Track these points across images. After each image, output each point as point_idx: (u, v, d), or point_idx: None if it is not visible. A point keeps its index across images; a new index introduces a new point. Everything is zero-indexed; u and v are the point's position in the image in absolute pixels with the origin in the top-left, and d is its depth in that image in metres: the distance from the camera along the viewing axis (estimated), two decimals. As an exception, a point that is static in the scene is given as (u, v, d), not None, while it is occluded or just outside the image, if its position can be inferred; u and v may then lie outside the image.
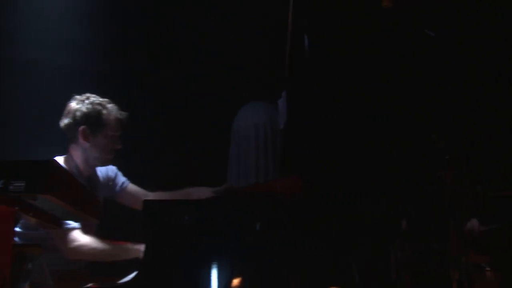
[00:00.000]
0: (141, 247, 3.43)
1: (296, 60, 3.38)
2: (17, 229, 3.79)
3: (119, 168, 4.40)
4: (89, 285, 3.29)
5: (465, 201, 3.01)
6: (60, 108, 4.13)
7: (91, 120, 4.05)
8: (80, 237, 3.83)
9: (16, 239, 3.69)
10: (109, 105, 4.15)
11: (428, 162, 3.12)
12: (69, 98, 4.16)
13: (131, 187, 4.40)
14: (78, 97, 4.15)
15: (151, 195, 4.28)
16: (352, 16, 3.34)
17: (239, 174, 3.91)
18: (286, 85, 3.51)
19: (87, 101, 4.10)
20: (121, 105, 4.20)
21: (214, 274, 3.07)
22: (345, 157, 3.29)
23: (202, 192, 3.93)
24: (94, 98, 4.14)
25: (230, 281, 3.11)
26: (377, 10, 3.29)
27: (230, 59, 5.60)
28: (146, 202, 3.32)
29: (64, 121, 4.09)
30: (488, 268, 3.23)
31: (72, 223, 3.81)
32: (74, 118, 4.06)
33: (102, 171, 4.30)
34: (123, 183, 4.38)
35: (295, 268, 3.21)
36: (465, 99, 3.40)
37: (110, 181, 4.34)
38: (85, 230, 3.92)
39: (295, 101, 3.39)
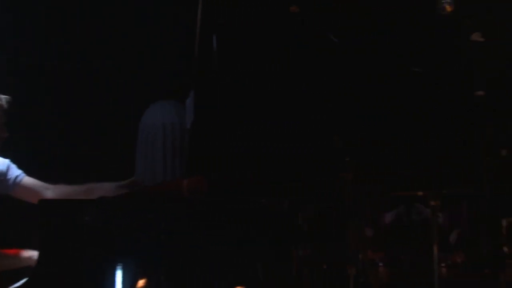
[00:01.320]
0: (34, 254, 3.25)
1: (204, 59, 3.39)
2: None
3: (13, 161, 4.14)
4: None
5: (363, 201, 3.16)
6: None
7: None
8: None
9: None
10: None
11: (328, 162, 3.24)
12: None
13: (27, 180, 4.09)
14: None
15: (51, 188, 4.02)
16: (260, 17, 3.41)
17: (146, 173, 3.84)
18: (194, 85, 3.51)
19: None
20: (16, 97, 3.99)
21: (118, 277, 2.99)
22: (249, 158, 3.34)
23: (105, 188, 3.79)
24: None
25: (135, 284, 3.05)
26: (285, 13, 3.38)
27: (138, 57, 5.51)
28: (42, 202, 3.16)
29: None
30: (381, 264, 3.43)
31: None
32: None
33: None
34: (17, 176, 4.07)
35: (201, 267, 3.21)
36: (366, 102, 3.58)
37: (2, 176, 4.06)
38: None
39: (202, 100, 3.40)
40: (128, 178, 3.85)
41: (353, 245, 3.08)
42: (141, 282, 3.08)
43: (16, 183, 4.06)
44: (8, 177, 4.05)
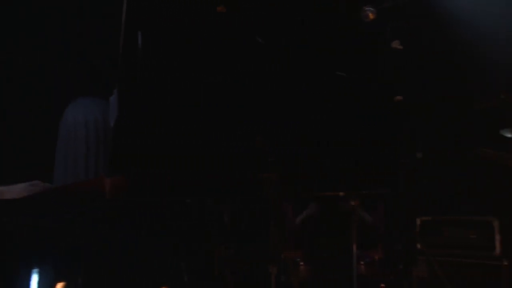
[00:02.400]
0: None
1: (128, 56, 3.33)
2: None
3: None
4: None
5: (286, 201, 3.23)
6: None
7: None
8: None
9: None
10: None
11: (251, 163, 3.28)
12: None
13: None
14: None
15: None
16: (187, 15, 3.39)
17: (67, 172, 3.72)
18: (118, 82, 3.44)
19: None
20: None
21: (34, 281, 2.87)
22: (174, 157, 3.32)
23: (16, 189, 3.63)
24: None
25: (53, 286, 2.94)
26: (211, 14, 3.38)
27: (59, 54, 5.31)
28: None
29: None
30: (301, 263, 3.52)
31: None
32: None
33: None
34: None
35: (123, 269, 3.15)
36: (289, 103, 3.66)
37: None
38: None
39: (126, 98, 3.33)
40: (47, 177, 3.71)
41: (275, 244, 3.14)
42: (59, 286, 2.98)
43: None
44: None
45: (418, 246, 4.08)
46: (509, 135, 2.90)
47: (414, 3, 4.24)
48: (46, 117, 3.91)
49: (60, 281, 2.97)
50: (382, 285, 4.06)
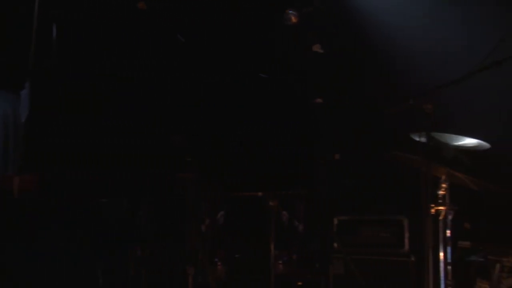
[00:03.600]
0: None
1: (41, 48, 3.18)
2: None
3: None
4: None
5: (204, 201, 3.21)
6: None
7: None
8: None
9: None
10: None
11: (169, 162, 3.24)
12: None
13: None
14: None
15: None
16: (106, 10, 3.30)
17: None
18: (30, 75, 3.28)
19: None
20: None
21: None
22: (88, 156, 3.22)
23: None
24: None
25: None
26: (132, 10, 3.31)
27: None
28: None
29: None
30: (219, 263, 3.52)
31: None
32: None
33: None
34: None
35: (33, 272, 3.00)
36: (208, 103, 3.65)
37: None
38: None
39: (39, 92, 3.19)
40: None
41: (192, 245, 3.11)
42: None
43: None
44: None
45: (335, 245, 4.21)
46: (417, 139, 3.05)
47: (334, 9, 4.36)
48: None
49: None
50: (299, 283, 4.15)
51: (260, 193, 3.61)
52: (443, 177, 3.03)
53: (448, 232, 3.03)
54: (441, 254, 2.98)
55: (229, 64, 3.78)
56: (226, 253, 3.65)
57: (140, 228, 3.26)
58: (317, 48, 4.24)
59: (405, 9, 4.23)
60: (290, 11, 4.31)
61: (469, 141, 3.25)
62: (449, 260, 2.99)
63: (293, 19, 4.28)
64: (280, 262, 4.07)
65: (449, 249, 3.01)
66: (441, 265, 2.96)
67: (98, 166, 3.24)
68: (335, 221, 4.36)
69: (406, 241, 4.07)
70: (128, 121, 3.31)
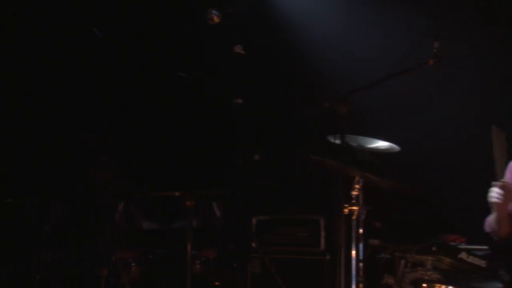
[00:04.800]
0: None
1: None
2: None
3: None
4: None
5: (118, 201, 3.12)
6: None
7: None
8: None
9: None
10: None
11: (82, 162, 3.12)
12: None
13: None
14: None
15: None
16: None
17: None
18: None
19: None
20: None
21: None
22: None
23: None
24: None
25: None
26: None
27: None
28: None
29: None
30: (133, 264, 3.44)
31: None
32: None
33: None
34: None
35: None
36: (126, 101, 3.56)
37: None
38: None
39: None
40: None
41: (105, 246, 3.02)
42: None
43: None
44: None
45: (253, 244, 4.24)
46: (332, 141, 3.15)
47: (256, 10, 4.39)
48: None
49: None
50: (217, 283, 4.14)
51: (177, 193, 3.56)
52: (357, 178, 3.14)
53: (361, 231, 3.15)
54: (353, 252, 3.09)
55: (147, 62, 3.70)
56: (141, 254, 3.57)
57: (49, 230, 3.11)
58: (238, 49, 4.25)
59: (326, 13, 4.34)
60: (213, 11, 4.29)
61: (381, 144, 3.40)
62: (361, 258, 3.11)
63: (216, 19, 4.26)
64: (198, 262, 4.04)
65: (361, 247, 3.12)
66: (353, 262, 3.07)
67: (6, 163, 3.07)
68: (254, 221, 4.39)
69: (322, 240, 4.17)
70: (41, 118, 3.15)
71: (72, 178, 3.20)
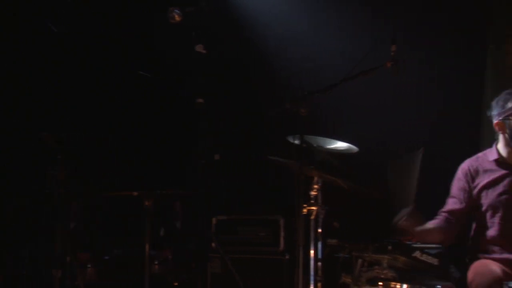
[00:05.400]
0: None
1: None
2: None
3: None
4: None
5: (74, 200, 3.05)
6: None
7: None
8: None
9: None
10: None
11: (38, 160, 3.04)
12: None
13: None
14: None
15: None
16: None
17: None
18: None
19: None
20: None
21: None
22: None
23: None
24: None
25: None
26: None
27: None
28: None
29: None
30: (89, 265, 3.38)
31: None
32: None
33: None
34: None
35: None
36: (83, 99, 3.48)
37: None
38: None
39: None
40: None
41: (59, 246, 2.94)
42: None
43: None
44: None
45: (213, 244, 4.22)
46: (293, 141, 3.16)
47: (219, 10, 4.38)
48: None
49: None
50: (175, 283, 4.10)
51: (135, 193, 3.51)
52: (315, 178, 3.17)
53: (319, 231, 3.18)
54: (312, 252, 3.11)
55: (107, 61, 3.63)
56: (97, 255, 3.50)
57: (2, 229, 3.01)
58: (200, 48, 4.22)
59: (288, 14, 4.37)
60: (175, 10, 4.24)
61: (340, 145, 3.44)
62: (319, 257, 3.14)
63: (177, 18, 4.22)
64: (156, 262, 3.99)
65: (319, 247, 3.15)
66: (312, 262, 3.09)
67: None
68: (214, 220, 4.37)
69: (282, 240, 4.19)
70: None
71: (27, 177, 3.11)
